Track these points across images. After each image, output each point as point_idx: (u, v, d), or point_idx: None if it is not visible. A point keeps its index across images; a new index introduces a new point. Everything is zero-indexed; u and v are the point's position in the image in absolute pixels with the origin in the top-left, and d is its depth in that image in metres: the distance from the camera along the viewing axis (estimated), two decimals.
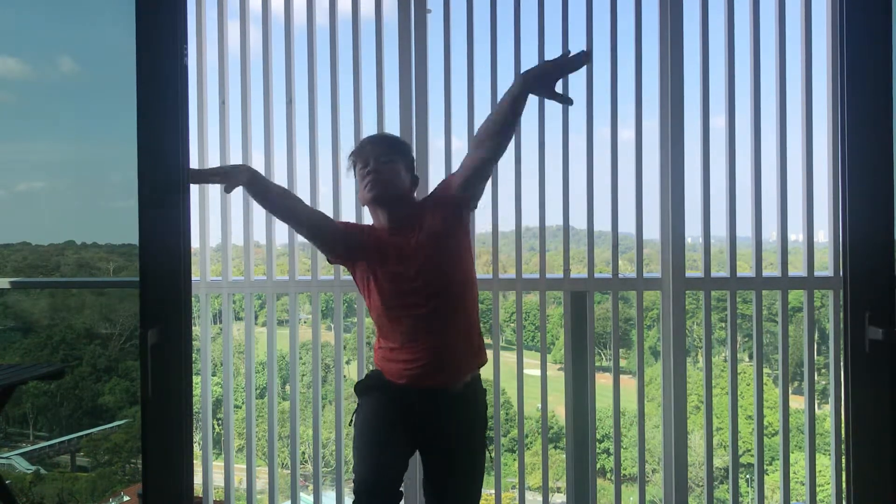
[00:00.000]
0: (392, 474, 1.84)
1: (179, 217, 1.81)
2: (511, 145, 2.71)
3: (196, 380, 2.40)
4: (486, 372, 2.81)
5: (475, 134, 1.95)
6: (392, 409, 1.93)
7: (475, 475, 1.99)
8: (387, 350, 1.99)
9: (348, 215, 2.74)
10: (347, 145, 2.70)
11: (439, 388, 1.93)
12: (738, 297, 2.73)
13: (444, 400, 1.94)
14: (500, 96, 2.68)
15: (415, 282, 1.90)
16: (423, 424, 1.94)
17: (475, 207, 2.07)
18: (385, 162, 1.96)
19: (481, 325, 2.04)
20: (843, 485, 1.96)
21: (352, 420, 2.01)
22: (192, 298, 1.99)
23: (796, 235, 2.73)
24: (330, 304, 2.96)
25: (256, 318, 2.98)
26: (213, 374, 2.96)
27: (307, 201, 2.75)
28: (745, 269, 2.74)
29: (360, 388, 2.03)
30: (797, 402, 3.74)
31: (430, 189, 2.37)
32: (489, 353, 2.80)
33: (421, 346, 1.91)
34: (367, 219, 2.22)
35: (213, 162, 2.80)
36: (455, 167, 2.71)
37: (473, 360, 1.99)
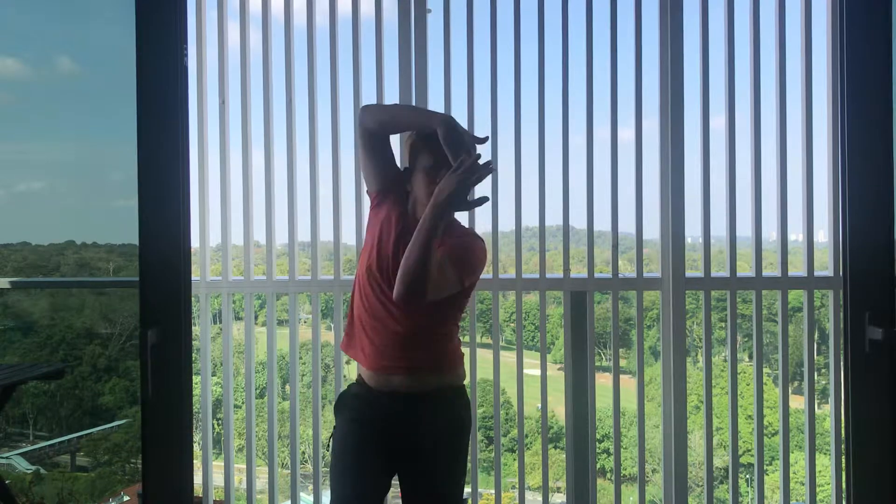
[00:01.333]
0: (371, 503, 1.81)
1: (179, 217, 1.81)
2: (511, 145, 2.73)
3: (196, 380, 2.40)
4: (486, 372, 2.83)
5: None
6: (365, 431, 1.86)
7: (452, 496, 1.89)
8: (355, 336, 1.90)
9: (348, 215, 2.74)
10: (348, 145, 2.71)
11: (408, 390, 1.84)
12: (738, 296, 2.73)
13: (417, 404, 1.85)
14: (500, 96, 2.71)
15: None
16: (398, 437, 1.85)
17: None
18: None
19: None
20: (843, 485, 1.96)
21: (328, 444, 1.94)
22: (192, 298, 1.99)
23: (796, 235, 2.73)
24: (330, 304, 2.96)
25: (256, 318, 2.98)
26: (213, 374, 2.96)
27: (307, 202, 2.77)
28: (745, 269, 2.74)
29: (337, 405, 1.96)
30: (797, 402, 3.73)
31: None
32: (489, 353, 2.81)
33: (392, 328, 1.82)
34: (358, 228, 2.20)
35: (214, 162, 2.80)
36: None
37: (443, 361, 1.89)
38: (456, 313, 1.92)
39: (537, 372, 2.74)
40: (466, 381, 2.01)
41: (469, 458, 2.09)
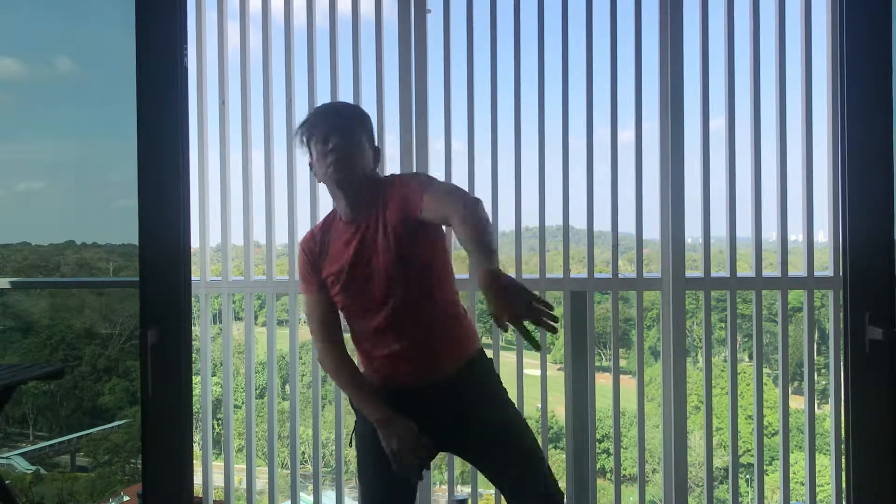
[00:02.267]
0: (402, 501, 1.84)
1: (179, 217, 1.81)
2: (511, 145, 2.73)
3: (196, 380, 2.40)
4: None
5: (463, 211, 1.61)
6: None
7: (518, 446, 1.82)
8: (362, 351, 1.86)
9: None
10: None
11: (423, 384, 1.79)
12: (738, 297, 2.73)
13: (435, 394, 1.80)
14: (500, 96, 2.71)
15: (373, 274, 1.75)
16: (429, 427, 1.79)
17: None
18: (350, 139, 1.74)
19: (469, 317, 1.92)
20: (843, 485, 1.96)
21: (351, 440, 1.91)
22: (192, 298, 1.99)
23: (796, 235, 2.73)
24: None
25: (256, 318, 2.98)
26: (213, 374, 2.96)
27: (306, 202, 2.77)
28: (745, 269, 2.73)
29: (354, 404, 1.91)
30: (797, 402, 3.74)
31: None
32: (489, 353, 2.80)
33: (390, 342, 1.78)
34: None
35: (214, 162, 2.80)
36: (455, 168, 2.72)
37: (455, 350, 1.83)
38: (449, 288, 1.85)
39: (537, 372, 2.74)
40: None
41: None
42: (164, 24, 1.79)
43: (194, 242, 2.54)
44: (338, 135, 1.74)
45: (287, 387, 2.93)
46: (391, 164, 2.78)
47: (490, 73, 2.70)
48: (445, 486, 2.82)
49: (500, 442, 1.82)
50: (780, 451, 2.69)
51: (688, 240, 2.72)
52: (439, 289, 1.82)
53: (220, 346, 2.86)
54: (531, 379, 2.77)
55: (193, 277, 2.34)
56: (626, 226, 2.72)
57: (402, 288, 1.75)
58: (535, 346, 1.58)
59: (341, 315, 1.90)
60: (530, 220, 2.75)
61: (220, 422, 3.39)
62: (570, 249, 2.75)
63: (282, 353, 3.39)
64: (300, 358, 2.89)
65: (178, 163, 1.81)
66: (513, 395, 2.68)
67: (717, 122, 2.75)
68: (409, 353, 1.78)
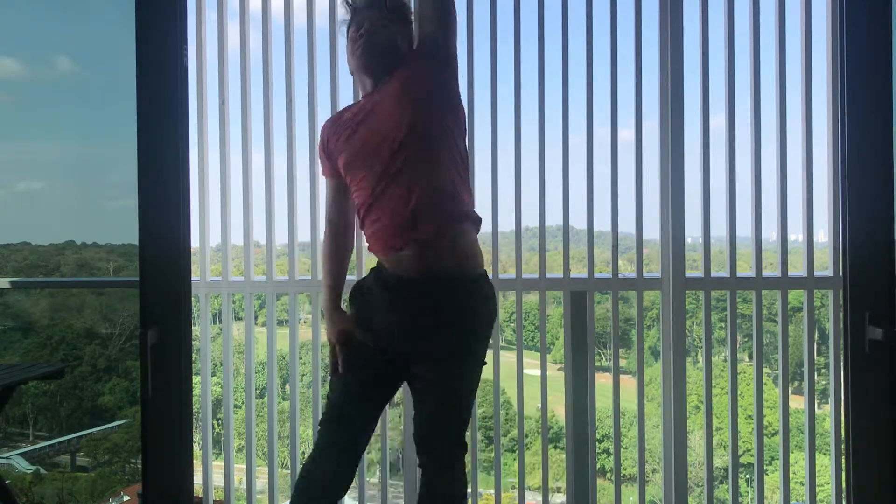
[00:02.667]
0: (357, 422, 1.88)
1: (179, 217, 1.82)
2: (511, 145, 2.73)
3: (196, 380, 2.40)
4: (486, 372, 2.81)
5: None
6: (365, 346, 1.86)
7: (461, 415, 1.89)
8: (376, 230, 1.86)
9: None
10: None
11: (426, 275, 1.79)
12: (738, 297, 2.73)
13: (433, 291, 1.80)
14: (499, 97, 2.71)
15: (382, 131, 1.80)
16: (414, 321, 1.81)
17: (444, 55, 1.88)
18: (383, 26, 1.85)
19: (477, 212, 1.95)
20: (843, 485, 1.96)
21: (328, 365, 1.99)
22: (192, 298, 1.99)
23: (796, 235, 2.73)
24: None
25: (256, 318, 2.98)
26: (213, 374, 2.96)
27: (307, 202, 2.77)
28: (745, 269, 2.74)
29: (351, 301, 1.96)
30: (797, 402, 3.74)
31: None
32: (489, 353, 2.81)
33: (393, 201, 1.79)
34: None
35: (214, 162, 2.80)
36: None
37: (458, 232, 1.83)
38: (463, 179, 1.90)
39: (537, 372, 2.74)
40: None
41: (469, 456, 2.08)
42: (164, 24, 1.79)
43: (194, 242, 2.53)
44: (371, 22, 1.86)
45: (287, 387, 2.93)
46: None
47: (490, 73, 2.70)
48: None
49: (448, 391, 1.88)
50: (780, 451, 2.69)
51: (688, 240, 2.72)
52: (452, 171, 1.84)
53: (220, 346, 2.86)
54: (531, 379, 2.77)
55: (193, 277, 2.34)
56: (626, 226, 2.72)
57: (414, 157, 1.78)
58: None
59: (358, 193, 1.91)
60: (530, 220, 2.76)
61: (220, 422, 3.39)
62: (570, 249, 2.76)
63: (282, 353, 3.40)
64: (300, 358, 2.89)
65: (178, 163, 1.81)
66: (512, 395, 2.68)
67: (718, 121, 2.75)
68: (416, 214, 1.78)
